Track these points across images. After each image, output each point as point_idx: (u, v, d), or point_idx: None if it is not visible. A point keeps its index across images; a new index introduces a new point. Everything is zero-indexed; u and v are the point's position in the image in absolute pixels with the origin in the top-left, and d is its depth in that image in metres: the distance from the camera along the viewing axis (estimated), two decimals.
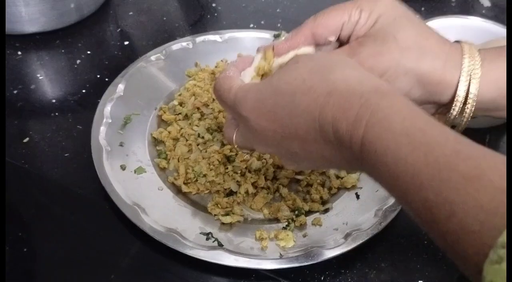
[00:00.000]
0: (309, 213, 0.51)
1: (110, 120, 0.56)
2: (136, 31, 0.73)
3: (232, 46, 0.68)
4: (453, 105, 0.39)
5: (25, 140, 0.56)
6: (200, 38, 0.67)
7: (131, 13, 0.76)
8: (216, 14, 0.78)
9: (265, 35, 0.69)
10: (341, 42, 0.43)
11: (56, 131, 0.58)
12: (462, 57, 0.40)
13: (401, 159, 0.29)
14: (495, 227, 0.25)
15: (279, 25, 0.77)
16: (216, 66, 0.65)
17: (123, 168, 0.52)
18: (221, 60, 0.66)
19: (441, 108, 0.42)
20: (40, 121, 0.59)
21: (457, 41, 0.42)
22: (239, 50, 0.67)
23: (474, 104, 0.39)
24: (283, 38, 0.67)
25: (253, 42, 0.68)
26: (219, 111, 0.57)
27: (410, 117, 0.30)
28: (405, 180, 0.29)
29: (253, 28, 0.75)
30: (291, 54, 0.42)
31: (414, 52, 0.39)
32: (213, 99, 0.59)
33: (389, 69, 0.39)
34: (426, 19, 0.68)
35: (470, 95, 0.39)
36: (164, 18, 0.76)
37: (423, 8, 0.84)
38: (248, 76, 0.42)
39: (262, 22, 0.77)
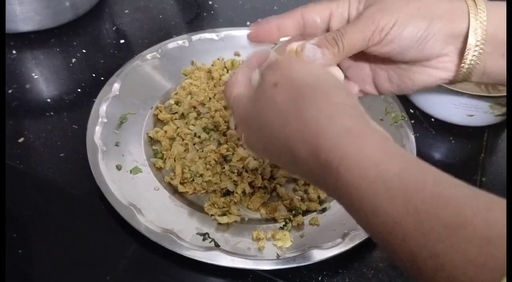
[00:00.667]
0: (306, 212, 0.51)
1: (106, 120, 0.55)
2: (132, 29, 0.72)
3: (228, 44, 0.67)
4: (469, 31, 0.38)
5: (20, 140, 0.56)
6: (196, 36, 0.67)
7: (126, 11, 0.75)
8: (212, 12, 0.77)
9: None
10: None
11: (51, 131, 0.57)
12: (468, 9, 0.39)
13: (378, 207, 0.28)
14: None
15: None
16: (212, 65, 0.64)
17: (118, 168, 0.52)
18: (218, 59, 0.65)
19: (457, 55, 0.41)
20: (35, 121, 0.59)
21: None
22: (235, 49, 0.67)
23: (485, 33, 0.37)
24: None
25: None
26: (216, 111, 0.56)
27: (384, 162, 0.29)
28: (387, 230, 0.28)
29: (249, 26, 0.75)
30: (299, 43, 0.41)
31: (420, 19, 0.38)
32: (210, 98, 0.58)
33: (399, 18, 0.37)
34: None
35: (478, 38, 0.37)
36: (160, 16, 0.75)
37: None
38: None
39: (259, 19, 0.76)
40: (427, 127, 0.62)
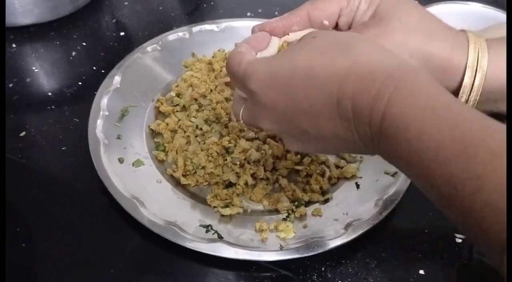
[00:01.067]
0: (309, 203, 0.51)
1: (107, 113, 0.55)
2: (132, 21, 0.72)
3: (229, 35, 0.67)
4: (460, 94, 0.38)
5: (22, 134, 0.56)
6: (196, 28, 0.66)
7: (126, 3, 0.75)
8: (212, 3, 0.77)
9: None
10: (341, 30, 0.43)
11: (52, 124, 0.57)
12: (468, 45, 0.39)
13: (425, 134, 0.29)
14: None
15: (276, 13, 0.76)
16: (213, 56, 0.64)
17: (121, 161, 0.52)
18: (218, 50, 0.65)
19: None
20: (37, 114, 0.58)
21: (462, 30, 0.41)
22: (236, 40, 0.66)
23: (479, 93, 0.38)
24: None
25: (250, 31, 0.67)
26: (217, 102, 0.56)
27: (435, 94, 0.30)
28: (429, 156, 0.28)
29: (250, 17, 0.75)
30: (306, 32, 0.41)
31: (420, 33, 0.38)
32: (211, 90, 0.58)
33: (394, 51, 0.36)
34: (425, 5, 0.67)
35: (476, 84, 0.38)
36: (160, 8, 0.75)
37: None
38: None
39: (260, 10, 0.76)
40: None
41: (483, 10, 0.67)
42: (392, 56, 0.32)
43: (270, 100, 0.35)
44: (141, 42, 0.66)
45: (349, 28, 0.41)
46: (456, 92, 0.39)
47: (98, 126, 0.53)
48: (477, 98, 0.39)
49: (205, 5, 0.76)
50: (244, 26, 0.68)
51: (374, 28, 0.39)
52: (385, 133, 0.30)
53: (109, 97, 0.56)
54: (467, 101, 0.39)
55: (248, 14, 0.75)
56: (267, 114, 0.36)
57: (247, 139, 0.53)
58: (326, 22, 0.40)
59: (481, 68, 0.38)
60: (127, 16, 0.73)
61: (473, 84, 0.38)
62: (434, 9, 0.67)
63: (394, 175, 0.51)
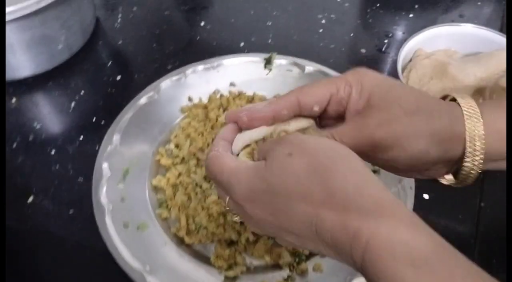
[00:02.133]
0: (309, 256, 0.53)
1: (109, 174, 0.57)
2: (126, 63, 0.73)
3: (222, 74, 0.67)
4: (465, 158, 0.38)
5: (30, 200, 0.58)
6: (189, 70, 0.67)
7: (120, 41, 0.75)
8: (205, 34, 0.77)
9: (255, 59, 0.68)
10: (331, 118, 0.42)
11: (58, 186, 0.59)
12: (462, 113, 0.39)
13: None
14: None
15: (269, 41, 0.76)
16: (209, 101, 0.65)
17: (126, 225, 0.54)
18: (214, 93, 0.66)
19: (454, 166, 0.42)
20: (42, 176, 0.60)
21: (453, 100, 0.42)
22: (230, 78, 0.67)
23: (483, 156, 0.38)
24: (273, 61, 0.67)
25: (244, 68, 0.68)
26: None
27: (414, 243, 0.30)
28: None
29: (243, 47, 0.75)
30: (304, 123, 0.41)
31: (421, 114, 0.38)
32: (208, 144, 0.59)
33: (402, 136, 0.37)
34: (420, 30, 0.66)
35: (477, 149, 0.38)
36: (154, 45, 0.75)
37: (416, 6, 0.81)
38: (241, 143, 0.40)
39: (253, 39, 0.76)
40: None
41: (475, 30, 0.66)
42: (370, 188, 0.32)
43: (254, 214, 0.36)
44: (138, 85, 0.67)
45: (342, 118, 0.41)
46: (462, 157, 0.39)
47: (101, 191, 0.55)
48: (482, 160, 0.39)
49: (198, 38, 0.76)
50: (237, 63, 0.68)
51: (376, 118, 0.38)
52: (367, 275, 0.31)
53: (110, 159, 0.58)
54: (473, 164, 0.39)
55: (242, 44, 0.75)
56: (251, 221, 0.37)
57: None
58: (316, 108, 0.40)
59: (478, 134, 0.38)
60: (122, 56, 0.73)
61: (474, 149, 0.39)
62: (428, 32, 0.67)
63: None
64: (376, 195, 0.32)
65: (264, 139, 0.39)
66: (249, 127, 0.39)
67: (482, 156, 0.38)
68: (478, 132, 0.38)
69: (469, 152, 0.38)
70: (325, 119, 0.42)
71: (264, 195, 0.35)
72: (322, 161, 0.33)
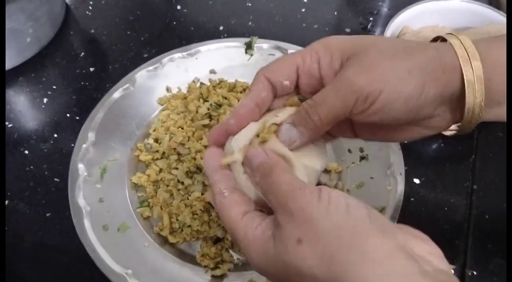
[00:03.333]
0: None
1: (86, 173, 0.54)
2: (100, 53, 0.69)
3: (201, 61, 0.64)
4: (466, 90, 0.34)
5: (6, 203, 0.55)
6: (166, 58, 0.63)
7: (92, 30, 0.72)
8: (182, 19, 0.73)
9: (235, 44, 0.65)
10: (305, 94, 0.40)
11: (34, 188, 0.57)
12: (452, 43, 0.36)
13: None
14: None
15: (250, 23, 0.72)
16: (188, 91, 0.62)
17: (105, 228, 0.51)
18: (193, 82, 0.63)
19: (457, 108, 0.39)
20: (17, 178, 0.57)
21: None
22: (210, 66, 0.64)
23: (484, 86, 0.35)
24: (254, 46, 0.64)
25: (224, 54, 0.65)
26: (196, 152, 0.55)
27: None
28: None
29: (223, 31, 0.71)
30: (291, 112, 0.37)
31: (403, 54, 0.35)
32: (188, 138, 0.57)
33: (389, 78, 0.34)
34: (408, 6, 0.63)
35: (476, 74, 0.34)
36: (128, 33, 0.71)
37: None
38: (237, 149, 0.36)
39: (233, 21, 0.72)
40: None
41: (463, 5, 0.63)
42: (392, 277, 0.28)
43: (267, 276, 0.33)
44: (113, 77, 0.64)
45: (319, 88, 0.36)
46: (463, 91, 0.36)
47: (78, 193, 0.53)
48: (483, 90, 0.35)
49: (174, 23, 0.73)
50: (216, 48, 0.65)
51: (352, 67, 0.34)
52: None
53: (85, 157, 0.55)
54: (475, 96, 0.36)
55: (221, 28, 0.71)
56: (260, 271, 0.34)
57: None
58: (286, 82, 0.37)
59: (475, 58, 0.35)
60: (94, 46, 0.70)
61: (474, 75, 0.35)
62: (416, 8, 0.64)
63: (382, 210, 0.51)
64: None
65: (257, 135, 0.36)
66: (239, 128, 0.36)
67: (482, 86, 0.35)
68: (473, 55, 0.35)
69: (469, 80, 0.34)
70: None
71: (277, 275, 0.32)
72: (336, 254, 0.29)
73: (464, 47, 0.35)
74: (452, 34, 0.37)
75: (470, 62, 0.34)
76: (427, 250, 0.29)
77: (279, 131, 0.35)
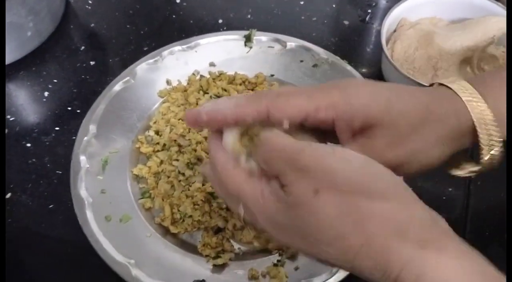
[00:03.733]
0: None
1: (88, 165, 0.55)
2: (100, 46, 0.70)
3: (201, 54, 0.65)
4: (478, 133, 0.35)
5: (8, 195, 0.56)
6: (166, 51, 0.64)
7: (92, 24, 0.72)
8: (181, 13, 0.73)
9: (234, 36, 0.66)
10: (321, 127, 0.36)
11: (36, 180, 0.57)
12: (453, 91, 0.36)
13: None
14: None
15: (249, 16, 0.73)
16: (188, 83, 0.62)
17: (108, 219, 0.52)
18: (193, 74, 0.63)
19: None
20: (19, 171, 0.58)
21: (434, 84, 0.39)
22: (209, 59, 0.65)
23: (495, 126, 0.35)
24: (253, 38, 0.64)
25: (223, 47, 0.65)
26: (197, 143, 0.55)
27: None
28: None
29: (222, 23, 0.72)
30: None
31: (429, 125, 0.35)
32: (189, 130, 0.57)
33: (415, 152, 0.35)
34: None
35: (486, 117, 0.35)
36: (128, 26, 0.72)
37: None
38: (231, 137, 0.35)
39: (231, 15, 0.73)
40: None
41: None
42: (413, 229, 0.28)
43: (278, 237, 0.32)
44: (113, 70, 0.65)
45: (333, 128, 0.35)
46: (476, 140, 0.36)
47: (80, 184, 0.53)
48: (497, 133, 0.36)
49: (174, 16, 0.73)
50: (215, 41, 0.65)
51: (380, 138, 0.34)
52: None
53: (87, 150, 0.55)
54: (490, 145, 0.36)
55: (220, 21, 0.72)
56: (273, 235, 0.33)
57: None
58: (286, 124, 0.34)
59: (477, 99, 0.36)
60: (95, 40, 0.70)
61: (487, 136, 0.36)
62: (413, 0, 0.64)
63: None
64: (421, 236, 0.28)
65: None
66: (207, 127, 0.36)
67: (494, 125, 0.35)
68: (475, 97, 0.36)
69: (477, 127, 0.35)
70: None
71: (290, 230, 0.31)
72: (355, 200, 0.29)
73: (467, 92, 0.36)
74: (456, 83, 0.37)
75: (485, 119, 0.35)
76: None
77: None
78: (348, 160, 0.30)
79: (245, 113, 0.34)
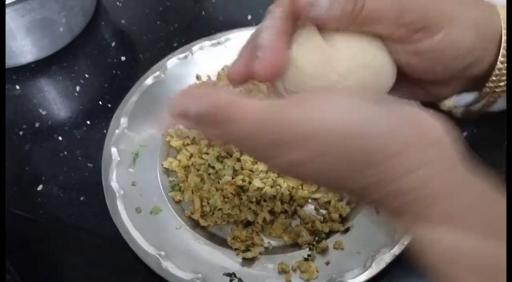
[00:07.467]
0: (329, 234, 0.51)
1: (119, 158, 0.55)
2: (131, 43, 0.70)
3: (230, 49, 0.65)
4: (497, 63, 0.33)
5: (39, 188, 0.57)
6: (196, 46, 0.64)
7: (123, 21, 0.73)
8: (211, 9, 0.74)
9: None
10: None
11: (67, 172, 0.58)
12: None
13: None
14: None
15: None
16: (217, 79, 0.62)
17: (138, 211, 0.52)
18: (222, 69, 0.63)
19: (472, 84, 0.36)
20: (51, 163, 0.59)
21: None
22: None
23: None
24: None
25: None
26: None
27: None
28: None
29: (251, 20, 0.72)
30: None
31: (466, 3, 0.33)
32: None
33: (453, 16, 0.31)
34: None
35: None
36: (158, 23, 0.72)
37: None
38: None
39: (260, 11, 0.72)
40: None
41: None
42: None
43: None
44: (143, 65, 0.65)
45: None
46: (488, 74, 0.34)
47: (111, 176, 0.53)
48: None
49: (203, 13, 0.73)
50: (244, 37, 0.65)
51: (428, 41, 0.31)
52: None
53: (118, 142, 0.56)
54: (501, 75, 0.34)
55: (249, 17, 0.72)
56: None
57: (261, 179, 0.53)
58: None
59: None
60: (125, 36, 0.71)
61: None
62: None
63: None
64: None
65: None
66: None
67: None
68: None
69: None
70: None
71: (276, 142, 0.28)
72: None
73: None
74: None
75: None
76: None
77: None
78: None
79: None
